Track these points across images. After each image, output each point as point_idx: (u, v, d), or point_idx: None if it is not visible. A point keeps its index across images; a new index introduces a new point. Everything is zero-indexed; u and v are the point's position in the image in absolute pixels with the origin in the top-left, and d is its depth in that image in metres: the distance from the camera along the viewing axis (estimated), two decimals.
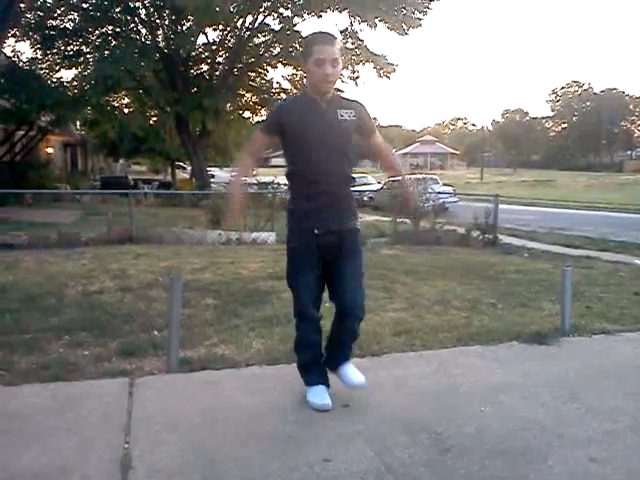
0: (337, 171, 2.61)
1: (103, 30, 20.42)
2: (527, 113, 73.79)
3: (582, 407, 2.79)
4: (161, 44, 20.87)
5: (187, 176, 33.64)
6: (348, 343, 2.75)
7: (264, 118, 3.41)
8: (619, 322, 4.35)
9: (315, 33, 2.67)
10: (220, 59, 22.12)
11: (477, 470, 2.21)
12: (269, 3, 20.01)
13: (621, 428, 2.58)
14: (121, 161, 43.72)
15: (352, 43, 19.72)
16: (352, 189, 2.81)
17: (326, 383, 2.73)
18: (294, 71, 22.53)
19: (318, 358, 2.74)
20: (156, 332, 3.78)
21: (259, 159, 2.92)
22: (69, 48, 20.48)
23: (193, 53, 21.58)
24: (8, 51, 18.73)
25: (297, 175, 2.64)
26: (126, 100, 25.03)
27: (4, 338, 3.62)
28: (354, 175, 2.78)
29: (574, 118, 69.11)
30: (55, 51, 20.25)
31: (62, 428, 2.47)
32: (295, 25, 20.69)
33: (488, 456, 2.30)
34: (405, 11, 18.69)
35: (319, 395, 2.68)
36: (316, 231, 2.58)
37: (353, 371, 2.72)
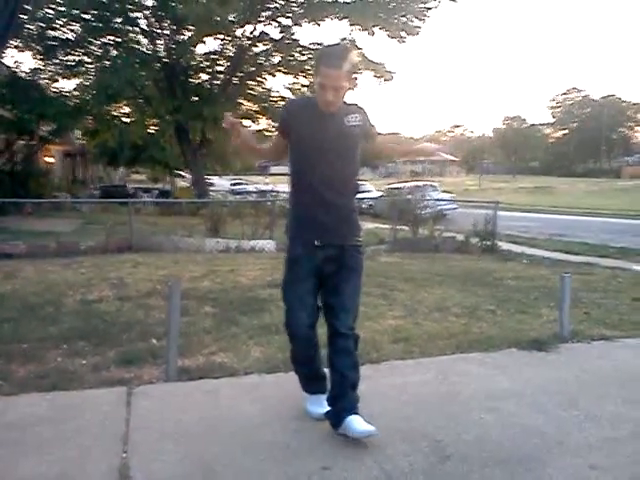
0: (342, 181, 2.53)
1: (104, 40, 20.47)
2: (526, 120, 74.11)
3: (582, 414, 2.79)
4: (161, 54, 20.94)
5: (186, 185, 33.67)
6: (350, 377, 2.49)
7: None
8: (618, 328, 4.36)
9: (328, 48, 2.64)
10: (220, 68, 22.19)
11: (477, 478, 2.20)
12: (269, 12, 20.11)
13: (621, 435, 2.57)
14: (121, 170, 43.79)
15: None
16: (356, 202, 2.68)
17: (325, 392, 2.65)
18: (294, 80, 22.64)
19: (316, 370, 2.68)
20: (155, 341, 3.77)
21: (272, 158, 2.97)
22: (70, 58, 20.54)
23: (193, 62, 21.65)
24: (9, 61, 18.82)
25: (300, 182, 2.55)
26: (126, 109, 25.08)
27: (2, 347, 3.61)
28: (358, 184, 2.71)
29: (574, 124, 69.34)
30: (56, 61, 20.30)
31: (60, 438, 2.47)
32: (294, 34, 20.81)
33: (488, 464, 2.30)
34: (404, 19, 18.78)
35: (318, 404, 2.63)
36: (317, 242, 2.50)
37: (360, 421, 2.42)
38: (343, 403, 2.47)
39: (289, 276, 2.59)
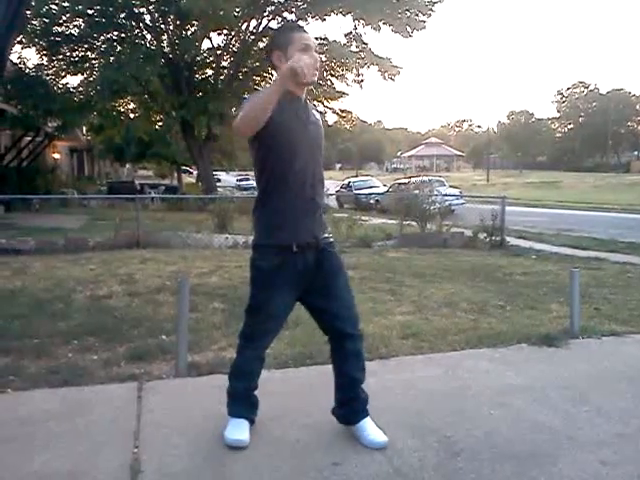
0: (318, 175, 2.36)
1: (108, 36, 20.51)
2: (532, 114, 73.65)
3: (592, 409, 2.78)
4: (166, 49, 20.94)
5: (193, 180, 33.77)
6: (360, 379, 2.47)
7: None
8: (628, 323, 4.33)
9: (284, 24, 2.41)
10: (225, 63, 22.18)
11: (487, 473, 2.20)
12: (273, 7, 20.08)
13: (632, 431, 2.56)
14: (127, 166, 43.94)
15: (356, 46, 19.75)
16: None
17: (251, 419, 2.46)
18: None
19: (252, 390, 2.48)
20: (164, 336, 3.79)
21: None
22: (75, 54, 20.58)
23: (198, 58, 21.66)
24: (14, 58, 18.84)
25: (277, 178, 2.28)
26: (132, 105, 25.14)
27: (13, 343, 3.64)
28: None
29: (580, 119, 68.81)
30: (61, 57, 20.34)
31: (72, 433, 2.48)
32: None
33: (498, 459, 2.29)
34: (409, 14, 18.69)
35: (238, 429, 2.39)
36: (295, 248, 2.28)
37: (373, 428, 2.43)
38: (355, 406, 2.46)
39: (263, 290, 2.35)
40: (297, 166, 2.27)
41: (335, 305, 2.39)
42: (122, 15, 19.80)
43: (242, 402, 2.47)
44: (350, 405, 2.47)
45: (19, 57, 19.68)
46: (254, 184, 2.60)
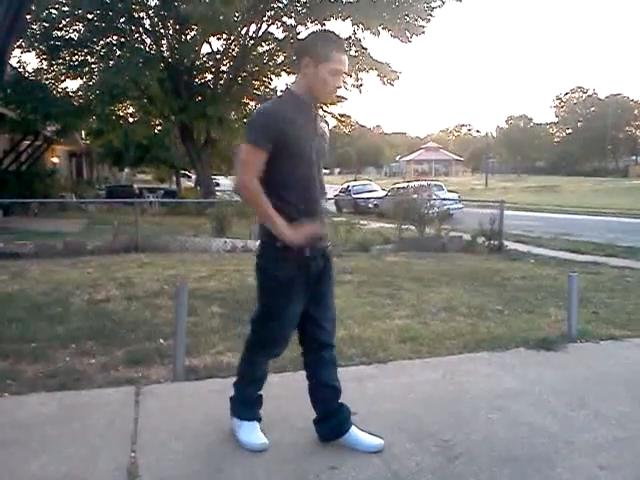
0: (323, 184, 2.42)
1: (108, 40, 20.55)
2: (531, 119, 73.83)
3: (590, 414, 2.78)
4: (165, 54, 20.98)
5: (192, 184, 33.77)
6: (340, 388, 2.46)
7: (253, 130, 2.24)
8: (626, 328, 4.34)
9: (329, 34, 2.35)
10: (224, 68, 22.21)
11: (485, 477, 2.20)
12: (273, 12, 20.13)
13: (630, 435, 2.56)
14: (126, 170, 43.92)
15: (355, 51, 19.78)
16: None
17: (260, 418, 2.51)
18: None
19: (259, 391, 2.53)
20: (162, 340, 3.78)
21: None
22: (74, 58, 20.60)
23: (197, 62, 21.70)
24: (14, 62, 18.85)
25: (291, 187, 2.28)
26: (131, 109, 25.16)
27: (11, 347, 3.63)
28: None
29: (579, 124, 68.98)
30: (60, 61, 20.37)
31: (69, 437, 2.48)
32: (299, 34, 20.80)
33: (496, 463, 2.29)
34: (408, 19, 18.74)
35: (255, 433, 2.45)
36: (307, 253, 2.28)
37: (364, 434, 2.45)
38: (342, 415, 2.44)
39: (282, 299, 2.32)
40: (309, 175, 2.31)
41: (320, 313, 2.40)
42: (122, 19, 19.85)
43: (254, 405, 2.52)
44: (336, 416, 2.44)
45: (19, 61, 19.77)
46: None
